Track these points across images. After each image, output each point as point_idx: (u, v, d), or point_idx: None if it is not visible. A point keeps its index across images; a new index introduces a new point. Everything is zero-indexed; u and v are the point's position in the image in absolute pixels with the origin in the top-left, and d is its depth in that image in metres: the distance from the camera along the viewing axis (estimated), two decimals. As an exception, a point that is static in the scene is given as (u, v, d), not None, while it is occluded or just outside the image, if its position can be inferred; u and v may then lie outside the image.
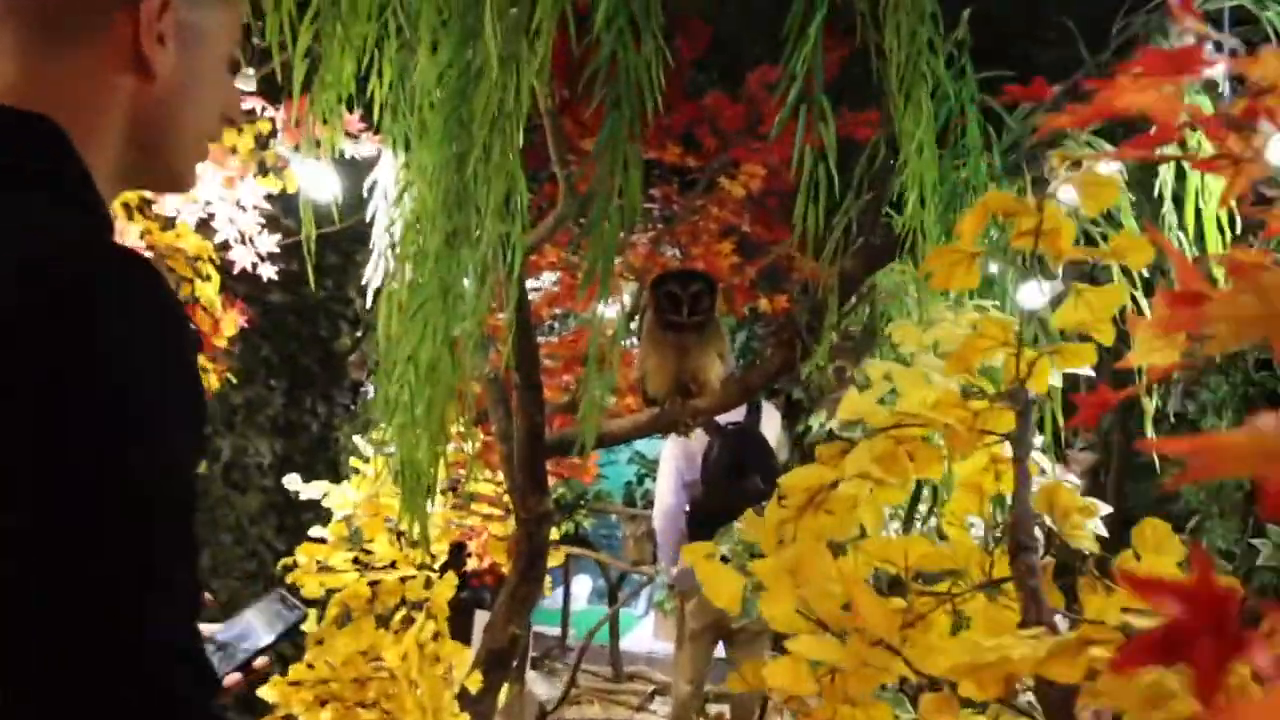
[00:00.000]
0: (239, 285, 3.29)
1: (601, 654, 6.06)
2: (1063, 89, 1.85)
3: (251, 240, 2.84)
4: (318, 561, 2.50)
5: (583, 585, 8.27)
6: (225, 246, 2.86)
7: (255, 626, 1.29)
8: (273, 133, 2.78)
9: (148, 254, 2.76)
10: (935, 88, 1.74)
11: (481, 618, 3.82)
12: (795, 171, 1.78)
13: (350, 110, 2.35)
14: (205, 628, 1.21)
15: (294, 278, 3.68)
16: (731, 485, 3.78)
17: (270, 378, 4.33)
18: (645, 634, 7.72)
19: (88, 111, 0.84)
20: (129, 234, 2.72)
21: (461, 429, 2.13)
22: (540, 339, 3.48)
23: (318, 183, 2.54)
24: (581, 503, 6.42)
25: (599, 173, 1.61)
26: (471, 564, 3.39)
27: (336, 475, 4.18)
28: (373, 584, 2.47)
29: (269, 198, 2.84)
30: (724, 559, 2.56)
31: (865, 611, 0.95)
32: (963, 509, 1.15)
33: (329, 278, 4.34)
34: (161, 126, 0.88)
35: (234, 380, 3.44)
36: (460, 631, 2.99)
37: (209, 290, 2.90)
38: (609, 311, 4.20)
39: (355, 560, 2.54)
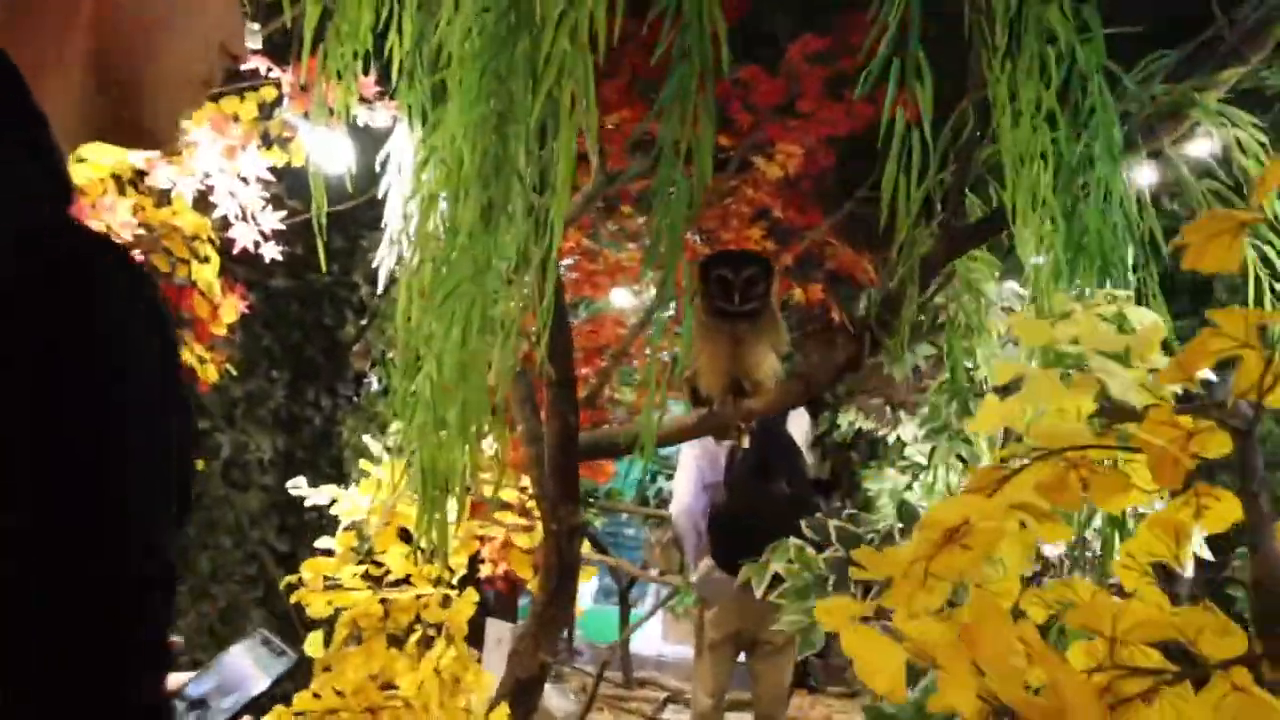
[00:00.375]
0: (239, 268, 3.06)
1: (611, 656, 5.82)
2: (1191, 48, 1.63)
3: (253, 217, 2.59)
4: (325, 578, 2.26)
5: (588, 584, 8.05)
6: (225, 224, 2.61)
7: (236, 676, 1.07)
8: (278, 99, 2.53)
9: (141, 231, 2.53)
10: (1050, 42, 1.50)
11: (491, 625, 3.58)
12: (882, 139, 1.56)
13: (366, 72, 2.11)
14: (173, 678, 1.01)
15: (298, 262, 3.47)
16: (757, 488, 3.59)
17: (272, 369, 4.10)
18: (654, 635, 7.49)
19: (39, 35, 0.68)
20: (119, 210, 2.48)
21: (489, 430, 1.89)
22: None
23: (328, 153, 2.30)
24: (591, 500, 6.18)
25: (664, 132, 1.37)
26: (485, 570, 3.15)
27: (340, 473, 3.95)
28: (384, 601, 2.23)
29: (273, 170, 2.60)
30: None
31: (1071, 699, 0.71)
32: (1149, 551, 0.91)
33: (334, 262, 4.13)
34: (133, 55, 0.72)
35: (234, 371, 3.21)
36: (469, 638, 2.76)
37: (207, 273, 2.67)
38: (636, 301, 3.99)
39: (365, 575, 2.30)
